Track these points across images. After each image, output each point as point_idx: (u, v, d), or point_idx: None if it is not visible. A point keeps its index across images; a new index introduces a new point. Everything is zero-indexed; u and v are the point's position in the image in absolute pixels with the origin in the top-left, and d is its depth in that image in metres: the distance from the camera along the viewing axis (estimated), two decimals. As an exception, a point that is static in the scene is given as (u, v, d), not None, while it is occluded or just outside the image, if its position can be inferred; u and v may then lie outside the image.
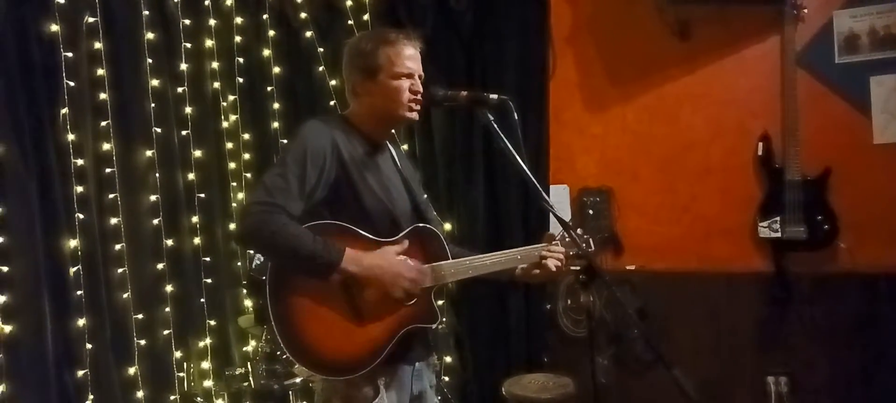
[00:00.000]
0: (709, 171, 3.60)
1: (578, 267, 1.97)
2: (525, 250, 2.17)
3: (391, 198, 2.08)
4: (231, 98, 3.86)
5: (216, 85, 3.78)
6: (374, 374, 1.97)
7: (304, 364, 1.90)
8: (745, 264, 3.49)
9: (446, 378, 3.84)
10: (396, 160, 2.21)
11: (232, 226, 3.80)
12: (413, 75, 2.07)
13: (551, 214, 2.05)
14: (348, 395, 1.98)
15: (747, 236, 3.47)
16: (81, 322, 3.06)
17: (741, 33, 3.47)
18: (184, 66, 3.59)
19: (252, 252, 1.96)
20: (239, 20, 3.86)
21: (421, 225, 2.11)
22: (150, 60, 3.42)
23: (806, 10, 3.26)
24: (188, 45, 3.63)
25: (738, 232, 3.51)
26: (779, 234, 3.31)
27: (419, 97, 2.08)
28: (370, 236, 1.99)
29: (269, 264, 1.90)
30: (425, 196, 2.29)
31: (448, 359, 3.86)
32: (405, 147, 3.86)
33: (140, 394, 3.27)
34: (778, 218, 3.31)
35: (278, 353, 1.95)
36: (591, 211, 3.79)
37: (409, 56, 2.07)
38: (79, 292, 3.06)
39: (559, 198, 3.83)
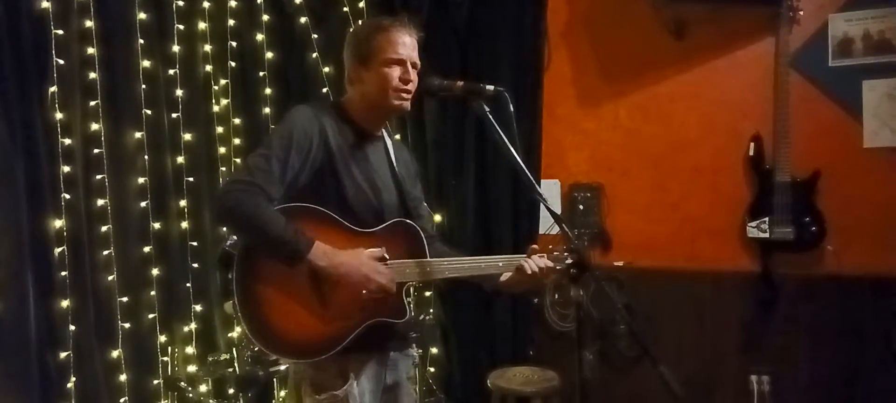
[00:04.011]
0: (699, 171, 3.61)
1: (569, 262, 1.95)
2: (507, 258, 2.07)
3: (376, 190, 2.06)
4: (223, 82, 3.84)
5: (208, 68, 3.75)
6: (345, 361, 1.98)
7: (260, 343, 1.91)
8: (731, 264, 3.51)
9: (432, 370, 3.85)
10: (390, 152, 2.18)
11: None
12: (405, 62, 2.04)
13: (542, 206, 2.02)
14: (317, 380, 1.99)
15: (735, 236, 3.49)
16: (65, 303, 3.03)
17: (736, 34, 3.48)
18: (176, 48, 3.56)
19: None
20: (233, 3, 3.83)
21: (403, 220, 2.09)
22: (141, 41, 3.39)
23: (801, 13, 3.27)
24: (181, 27, 3.60)
25: (725, 232, 3.52)
26: (767, 235, 3.33)
27: (409, 87, 2.05)
28: (348, 225, 1.98)
29: (239, 242, 1.92)
30: (419, 191, 2.28)
31: (434, 351, 3.86)
32: (398, 137, 3.85)
33: (123, 378, 3.25)
34: (766, 219, 3.33)
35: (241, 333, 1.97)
36: (581, 207, 3.80)
37: (402, 42, 2.05)
38: (63, 273, 3.03)
39: (550, 192, 3.84)
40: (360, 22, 2.18)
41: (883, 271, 3.21)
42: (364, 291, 1.93)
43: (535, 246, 2.06)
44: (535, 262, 2.01)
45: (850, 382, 3.30)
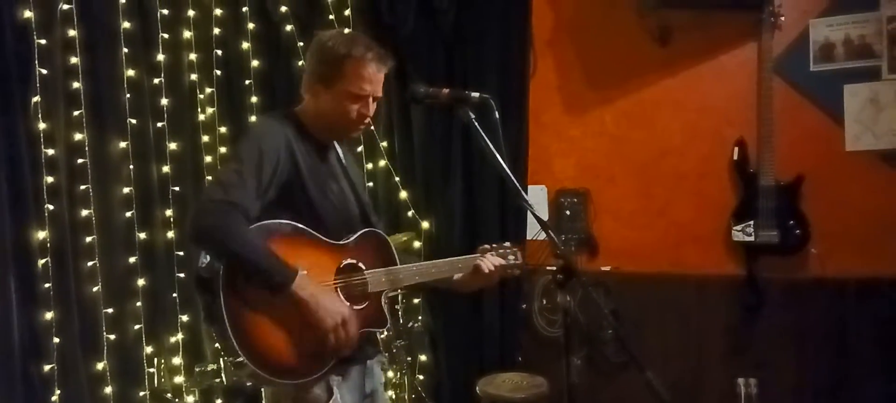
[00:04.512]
0: (684, 176, 3.64)
1: (555, 268, 1.96)
2: (464, 259, 2.19)
3: (341, 200, 2.07)
4: (208, 90, 3.81)
5: (193, 77, 3.73)
6: (326, 374, 1.94)
7: (258, 368, 1.81)
8: (716, 268, 3.54)
9: (421, 377, 3.83)
10: (342, 159, 2.19)
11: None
12: (367, 98, 2.03)
13: (529, 213, 2.04)
14: (299, 398, 1.93)
15: (720, 241, 3.51)
16: (49, 315, 3.00)
17: (720, 40, 3.52)
18: (161, 57, 3.54)
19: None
20: (218, 12, 3.81)
21: (372, 229, 2.12)
22: (125, 50, 3.37)
23: (783, 19, 3.31)
24: (165, 36, 3.57)
25: (710, 237, 3.55)
26: (752, 238, 3.36)
27: (365, 122, 2.06)
28: (324, 239, 1.97)
29: (221, 263, 1.82)
30: (367, 197, 2.30)
31: (423, 358, 3.85)
32: (385, 144, 3.84)
33: (108, 390, 3.21)
34: (751, 223, 3.36)
35: (226, 356, 1.90)
36: (568, 212, 3.81)
37: (370, 79, 2.01)
38: (47, 284, 3.00)
39: (537, 198, 3.85)
40: (336, 30, 2.12)
41: (867, 273, 3.25)
42: (330, 335, 1.87)
43: (485, 245, 2.23)
44: (490, 261, 2.16)
45: (836, 384, 3.33)
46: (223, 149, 3.87)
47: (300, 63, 3.83)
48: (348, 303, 1.96)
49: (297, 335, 1.86)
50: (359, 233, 2.06)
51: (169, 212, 3.57)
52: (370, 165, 3.84)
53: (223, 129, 3.87)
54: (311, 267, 1.89)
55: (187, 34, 3.69)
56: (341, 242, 2.01)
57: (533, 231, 3.74)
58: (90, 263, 3.20)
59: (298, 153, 1.97)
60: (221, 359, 3.36)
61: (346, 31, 3.62)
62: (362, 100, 2.02)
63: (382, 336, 2.21)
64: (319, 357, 1.89)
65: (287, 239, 1.89)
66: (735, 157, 3.44)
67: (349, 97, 2.00)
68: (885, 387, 3.23)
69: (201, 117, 3.79)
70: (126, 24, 3.37)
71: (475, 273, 2.17)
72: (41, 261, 2.99)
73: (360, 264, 2.02)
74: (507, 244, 2.27)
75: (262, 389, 2.18)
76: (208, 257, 1.87)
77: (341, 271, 1.99)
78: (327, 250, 1.97)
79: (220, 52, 3.83)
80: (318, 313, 1.85)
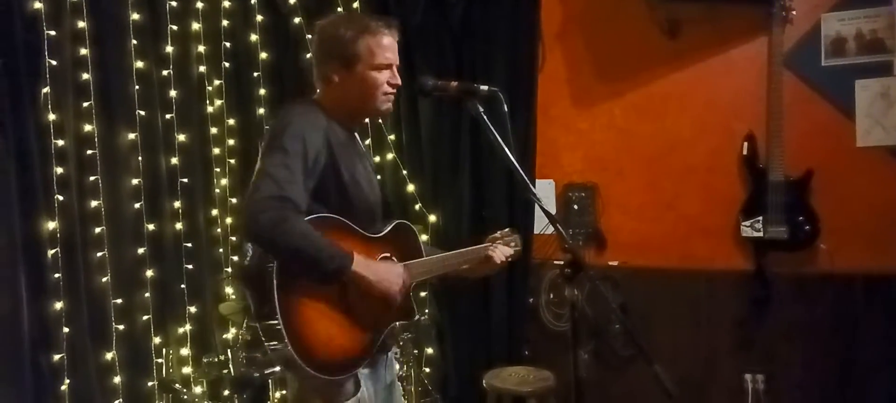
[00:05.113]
0: (693, 170, 3.62)
1: (563, 262, 1.96)
2: (476, 248, 2.27)
3: (372, 188, 2.08)
4: (217, 82, 3.82)
5: (202, 69, 3.74)
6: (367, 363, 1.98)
7: (309, 366, 1.82)
8: (725, 263, 3.52)
9: (427, 370, 3.84)
10: (361, 148, 2.20)
11: (214, 212, 3.77)
12: (392, 66, 2.04)
13: (537, 206, 2.04)
14: (329, 391, 1.93)
15: (728, 235, 3.50)
16: (59, 305, 3.02)
17: (729, 33, 3.49)
18: (169, 49, 3.55)
19: (249, 246, 1.92)
20: (227, 4, 3.82)
21: (402, 221, 2.15)
22: (134, 41, 3.38)
23: (794, 12, 3.28)
24: (174, 28, 3.59)
25: (719, 231, 3.53)
26: (761, 234, 3.34)
27: (395, 90, 2.06)
28: (362, 231, 1.98)
29: (274, 261, 1.81)
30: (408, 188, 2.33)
31: (429, 351, 3.86)
32: (392, 137, 3.85)
33: (117, 380, 3.24)
34: (760, 218, 3.34)
35: (268, 345, 1.89)
36: (575, 207, 3.80)
37: (389, 46, 2.04)
38: (56, 275, 3.02)
39: (545, 192, 3.84)
40: (330, 19, 2.11)
41: (876, 269, 3.23)
42: (394, 300, 1.95)
43: (494, 235, 2.31)
44: (501, 251, 2.25)
45: (844, 380, 3.32)
46: (231, 141, 3.88)
47: (308, 55, 3.82)
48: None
49: (343, 329, 1.89)
50: (391, 226, 2.09)
51: (177, 204, 3.59)
52: (378, 158, 3.84)
53: (231, 121, 3.89)
54: None
55: (196, 26, 3.70)
56: (377, 235, 2.03)
57: (541, 224, 3.74)
58: (99, 254, 3.22)
59: (333, 141, 1.96)
60: (229, 350, 3.38)
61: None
62: (389, 70, 2.03)
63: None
64: (366, 348, 1.93)
65: (334, 232, 1.89)
66: (744, 152, 3.42)
67: (376, 70, 2.01)
68: (894, 382, 3.21)
69: (210, 109, 3.80)
70: (135, 16, 3.38)
71: (486, 261, 2.24)
72: (51, 252, 3.01)
73: (393, 258, 2.04)
74: (507, 230, 2.34)
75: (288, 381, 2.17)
76: (252, 251, 1.88)
77: None
78: (366, 243, 1.98)
79: (228, 44, 3.84)
80: (382, 284, 1.90)
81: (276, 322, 1.78)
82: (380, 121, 3.65)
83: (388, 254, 2.04)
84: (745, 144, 3.42)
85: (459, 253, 2.23)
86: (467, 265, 2.25)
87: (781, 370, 3.43)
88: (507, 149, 1.94)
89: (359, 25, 2.03)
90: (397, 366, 2.31)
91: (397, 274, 1.96)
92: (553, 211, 3.79)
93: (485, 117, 1.98)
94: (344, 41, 2.01)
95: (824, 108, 3.35)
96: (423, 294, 3.88)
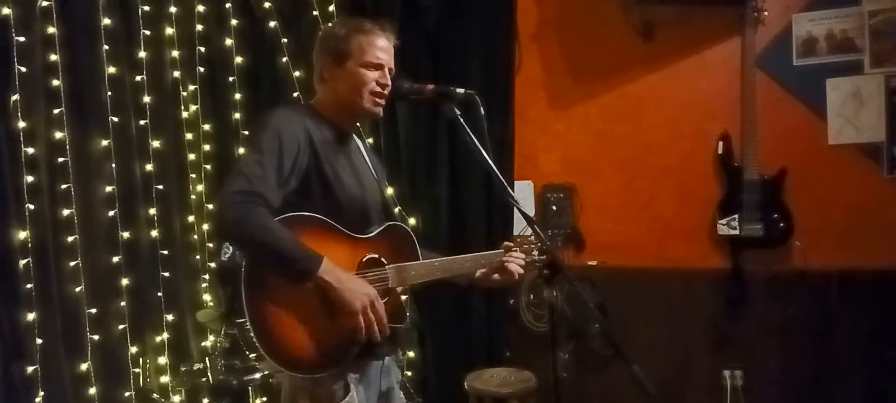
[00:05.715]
0: (668, 171, 3.66)
1: (541, 263, 1.97)
2: (487, 255, 2.19)
3: (363, 189, 2.04)
4: (191, 87, 3.78)
5: (176, 74, 3.69)
6: (343, 371, 1.93)
7: (275, 361, 1.80)
8: (701, 262, 3.56)
9: (408, 373, 3.83)
10: (363, 152, 2.17)
11: (191, 219, 3.72)
12: (383, 67, 2.03)
13: (515, 209, 2.03)
14: (316, 394, 1.91)
15: (704, 235, 3.54)
16: (31, 315, 2.96)
17: (703, 35, 3.53)
18: (142, 54, 3.50)
19: (227, 244, 1.88)
20: (200, 8, 3.78)
21: (395, 223, 2.09)
22: (106, 47, 3.32)
23: (766, 13, 3.33)
24: (147, 32, 3.54)
25: (694, 231, 3.57)
26: (737, 232, 3.38)
27: (385, 92, 2.04)
28: (346, 231, 1.94)
29: (244, 257, 1.80)
30: (389, 192, 2.27)
31: (410, 354, 3.84)
32: (371, 140, 3.83)
33: (93, 391, 3.18)
34: (736, 216, 3.38)
35: (246, 351, 1.86)
36: (554, 208, 3.82)
37: (382, 47, 2.03)
38: (29, 285, 2.96)
39: (523, 194, 3.85)
40: (332, 21, 2.12)
41: (849, 266, 3.28)
42: (357, 318, 1.83)
43: (508, 243, 2.21)
44: (517, 262, 2.16)
45: (819, 375, 3.37)
46: (207, 146, 3.84)
47: (284, 59, 3.81)
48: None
49: (319, 327, 1.83)
50: (382, 227, 2.04)
51: (152, 211, 3.54)
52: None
53: (207, 126, 3.84)
54: (332, 260, 1.84)
55: (169, 30, 3.66)
56: (363, 236, 1.98)
57: (519, 226, 3.75)
58: (73, 263, 3.16)
59: (317, 140, 1.94)
60: (207, 358, 3.34)
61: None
62: (378, 70, 2.01)
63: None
64: (343, 348, 1.87)
65: (310, 231, 1.86)
66: (719, 151, 3.47)
67: (365, 67, 2.00)
68: (868, 376, 3.27)
69: (184, 114, 3.75)
70: (106, 21, 3.33)
71: (502, 271, 2.17)
72: (22, 261, 2.94)
73: (382, 259, 2.00)
74: (528, 234, 2.24)
75: (281, 384, 2.14)
76: (230, 250, 1.85)
77: (363, 266, 1.96)
78: (350, 243, 1.94)
79: (203, 49, 3.80)
80: (346, 295, 1.80)
81: (243, 320, 1.75)
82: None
83: (377, 255, 1.99)
84: (721, 144, 3.46)
85: (470, 258, 2.16)
86: (480, 271, 2.18)
87: (758, 365, 3.47)
88: (484, 153, 1.94)
89: (354, 24, 2.05)
90: (398, 374, 2.23)
91: (364, 293, 1.84)
92: (532, 212, 3.80)
93: (461, 120, 1.98)
94: (337, 38, 2.03)
95: (797, 108, 3.40)
96: (403, 297, 3.86)
